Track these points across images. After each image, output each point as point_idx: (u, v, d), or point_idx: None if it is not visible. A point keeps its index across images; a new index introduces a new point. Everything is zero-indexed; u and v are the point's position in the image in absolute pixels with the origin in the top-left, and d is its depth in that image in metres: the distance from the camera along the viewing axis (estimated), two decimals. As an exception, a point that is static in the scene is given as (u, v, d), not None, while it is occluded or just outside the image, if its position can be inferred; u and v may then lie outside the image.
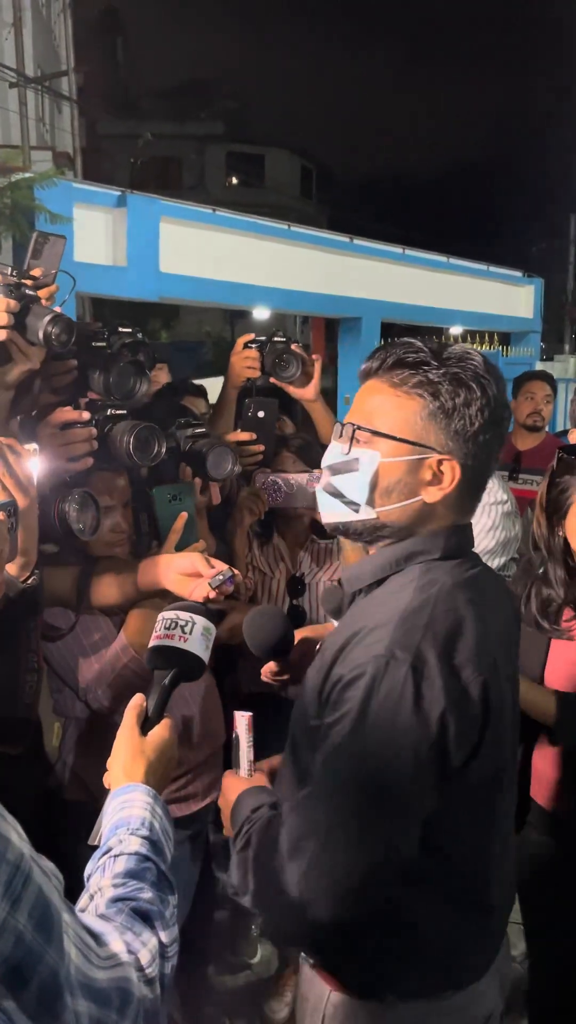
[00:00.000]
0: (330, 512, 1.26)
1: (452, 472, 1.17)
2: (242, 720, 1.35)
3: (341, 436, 1.22)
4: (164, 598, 1.68)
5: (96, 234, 6.81)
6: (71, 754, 1.87)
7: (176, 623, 1.22)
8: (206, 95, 31.17)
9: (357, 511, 1.21)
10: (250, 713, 1.36)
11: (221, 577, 1.52)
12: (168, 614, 1.23)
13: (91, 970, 0.78)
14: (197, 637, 1.21)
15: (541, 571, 1.92)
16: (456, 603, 1.14)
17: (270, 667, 1.58)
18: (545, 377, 4.44)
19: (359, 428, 1.20)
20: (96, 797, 1.84)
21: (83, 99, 17.55)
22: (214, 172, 29.12)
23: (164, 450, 1.69)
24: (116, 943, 0.84)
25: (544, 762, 1.92)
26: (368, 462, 1.19)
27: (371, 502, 1.19)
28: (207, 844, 2.32)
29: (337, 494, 1.23)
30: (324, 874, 1.09)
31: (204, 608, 1.25)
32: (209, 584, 1.53)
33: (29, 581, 1.44)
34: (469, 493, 1.22)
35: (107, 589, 1.66)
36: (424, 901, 1.18)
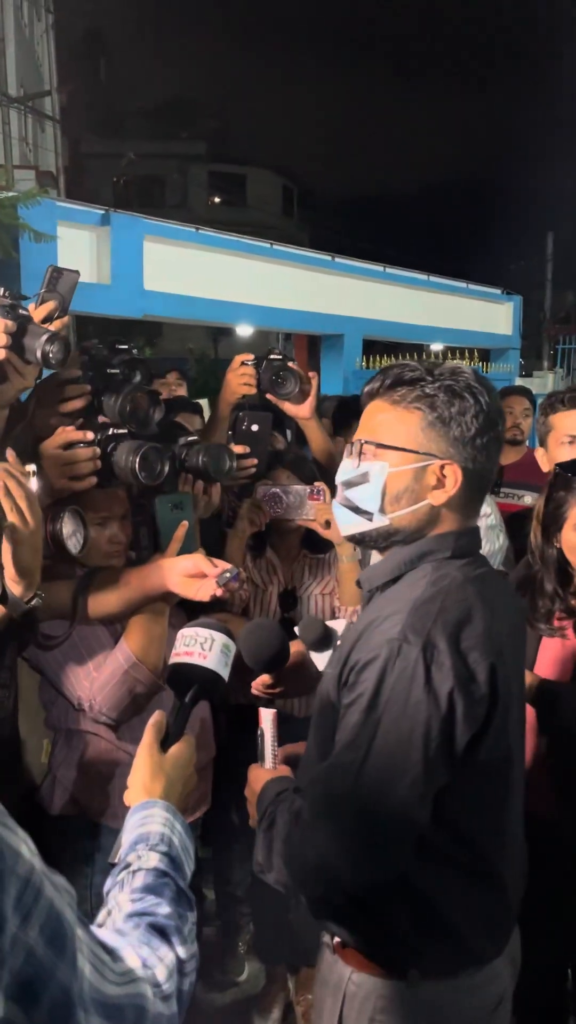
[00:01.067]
0: (347, 524, 1.36)
1: (455, 475, 1.28)
2: (267, 716, 1.41)
3: (351, 454, 1.33)
4: (166, 602, 1.70)
5: (80, 252, 6.85)
6: (61, 767, 1.85)
7: (196, 640, 1.22)
8: (188, 115, 31.41)
9: (371, 519, 1.32)
10: (275, 710, 1.41)
11: (228, 575, 1.55)
12: (188, 631, 1.24)
13: (105, 986, 0.77)
14: (217, 654, 1.22)
15: (537, 579, 2.02)
16: (466, 595, 1.25)
17: (263, 680, 1.60)
18: (523, 392, 4.48)
19: (366, 443, 1.31)
20: (86, 811, 1.84)
21: (66, 118, 17.60)
22: (197, 191, 29.28)
23: (167, 468, 1.71)
24: (132, 958, 0.83)
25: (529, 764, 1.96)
26: (377, 473, 1.30)
27: (383, 509, 1.30)
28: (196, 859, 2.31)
29: (352, 507, 1.33)
30: (344, 840, 1.18)
31: (223, 626, 1.26)
32: (216, 582, 1.55)
33: (32, 602, 1.44)
34: (473, 495, 1.33)
35: (107, 598, 1.67)
36: (443, 876, 1.27)
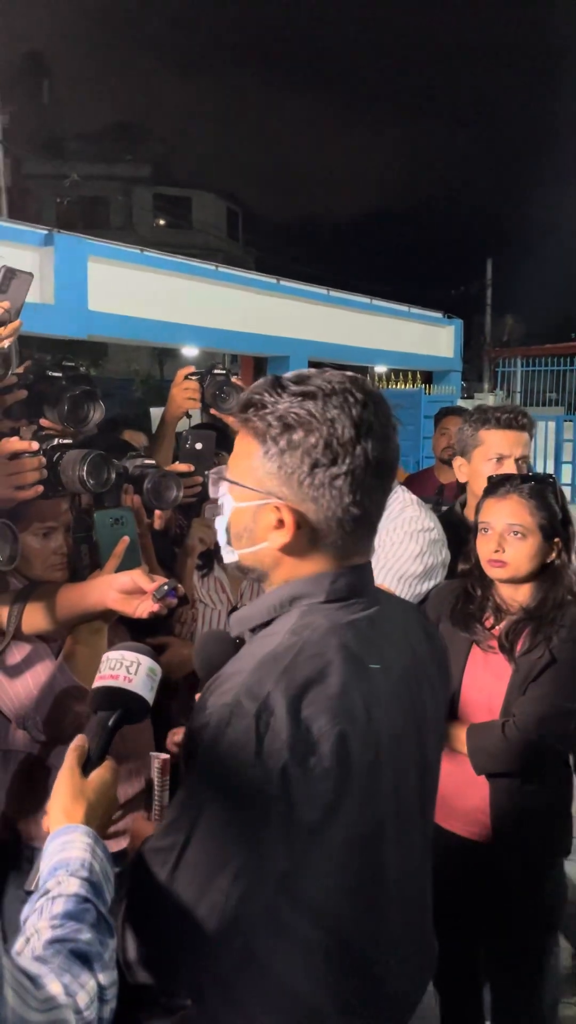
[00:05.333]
0: (224, 552, 1.22)
1: (290, 517, 1.09)
2: (156, 761, 1.26)
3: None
4: (104, 620, 1.68)
5: (23, 272, 6.78)
6: (-1, 792, 1.81)
7: (121, 663, 1.19)
8: (133, 138, 31.46)
9: (228, 554, 1.20)
10: (167, 755, 1.28)
11: (165, 588, 1.50)
12: (113, 654, 1.21)
13: (28, 1013, 0.77)
14: (142, 678, 1.19)
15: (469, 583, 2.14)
16: (325, 648, 1.07)
17: None
18: (459, 412, 4.54)
19: (216, 475, 1.19)
20: (22, 836, 1.79)
21: (8, 140, 17.50)
22: (141, 213, 29.31)
23: (114, 476, 1.72)
24: (53, 985, 0.83)
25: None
26: (227, 506, 1.17)
27: (231, 544, 1.18)
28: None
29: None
30: (160, 943, 1.07)
31: (149, 649, 1.23)
32: (153, 597, 1.51)
33: None
34: (319, 538, 1.11)
35: (44, 614, 1.64)
36: (302, 958, 1.11)
